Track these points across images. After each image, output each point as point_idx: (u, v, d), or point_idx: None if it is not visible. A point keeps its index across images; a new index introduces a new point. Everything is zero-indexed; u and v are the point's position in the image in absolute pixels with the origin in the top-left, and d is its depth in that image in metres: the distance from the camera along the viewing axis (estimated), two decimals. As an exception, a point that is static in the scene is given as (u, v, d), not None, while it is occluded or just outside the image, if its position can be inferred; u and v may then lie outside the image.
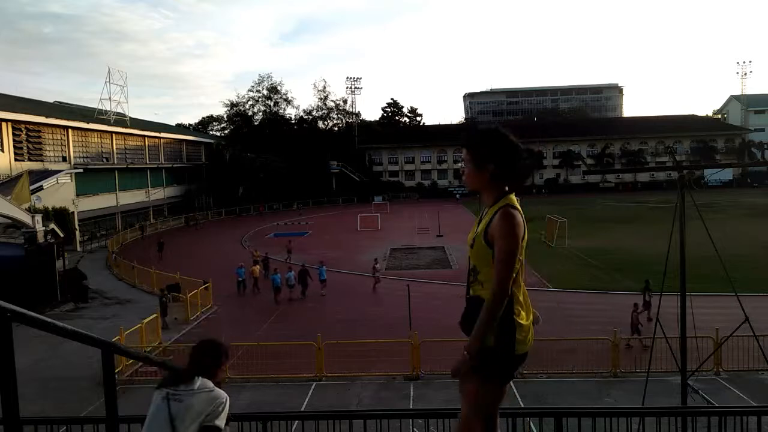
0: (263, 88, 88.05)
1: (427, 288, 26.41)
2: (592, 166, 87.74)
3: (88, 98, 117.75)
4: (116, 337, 17.13)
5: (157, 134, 65.99)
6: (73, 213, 41.79)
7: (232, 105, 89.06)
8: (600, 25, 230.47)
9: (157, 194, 63.29)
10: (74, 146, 49.30)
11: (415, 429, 8.57)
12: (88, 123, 51.11)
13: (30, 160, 42.98)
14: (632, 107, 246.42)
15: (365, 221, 52.29)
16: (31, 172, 37.22)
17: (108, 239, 45.61)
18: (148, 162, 62.29)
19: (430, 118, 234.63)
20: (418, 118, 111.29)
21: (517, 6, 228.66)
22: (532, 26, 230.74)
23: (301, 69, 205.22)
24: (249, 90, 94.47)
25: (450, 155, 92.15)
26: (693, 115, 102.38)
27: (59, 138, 47.74)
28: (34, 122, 43.71)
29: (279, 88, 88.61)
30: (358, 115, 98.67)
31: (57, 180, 41.58)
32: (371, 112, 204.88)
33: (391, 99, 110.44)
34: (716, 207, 52.29)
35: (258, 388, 15.41)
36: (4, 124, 40.39)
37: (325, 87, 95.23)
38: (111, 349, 2.95)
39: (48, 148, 46.31)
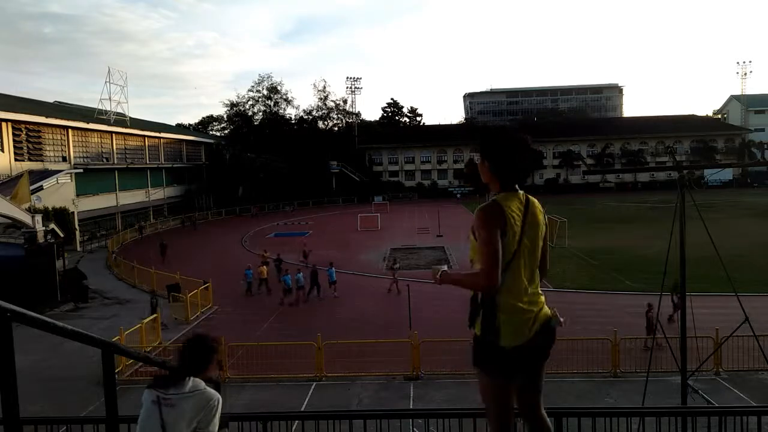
0: (263, 88, 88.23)
1: (427, 288, 26.38)
2: (592, 166, 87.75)
3: (88, 98, 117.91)
4: (116, 337, 17.13)
5: (157, 134, 66.01)
6: (73, 213, 41.78)
7: (232, 105, 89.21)
8: (600, 25, 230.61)
9: (157, 194, 63.29)
10: (74, 146, 49.30)
11: (415, 429, 8.57)
12: (88, 123, 51.11)
13: (30, 160, 42.99)
14: (632, 107, 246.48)
15: (365, 221, 52.29)
16: (31, 172, 37.24)
17: (108, 239, 45.62)
18: (148, 162, 62.29)
19: (430, 118, 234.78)
20: (418, 118, 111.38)
21: (517, 6, 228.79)
22: (532, 26, 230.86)
23: (301, 69, 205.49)
24: (249, 90, 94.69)
25: (450, 155, 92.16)
26: (693, 115, 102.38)
27: (59, 138, 47.74)
28: (34, 122, 43.71)
29: (279, 88, 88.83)
30: (358, 115, 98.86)
31: (57, 180, 41.59)
32: (371, 112, 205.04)
33: (391, 99, 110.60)
34: (716, 207, 52.29)
35: (258, 388, 15.41)
36: (4, 124, 40.40)
37: (325, 87, 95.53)
38: (111, 349, 2.95)
39: (48, 148, 46.32)
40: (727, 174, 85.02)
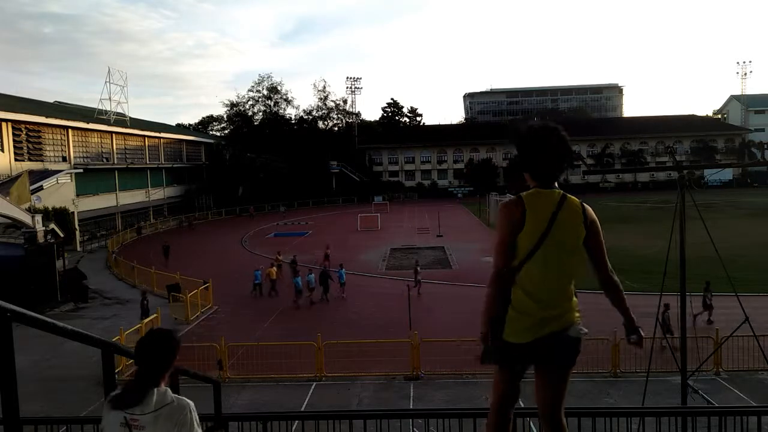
0: (263, 88, 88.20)
1: (428, 288, 26.38)
2: (592, 166, 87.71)
3: (88, 98, 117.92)
4: (116, 337, 17.13)
5: (157, 134, 66.00)
6: (73, 213, 41.79)
7: (232, 105, 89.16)
8: (600, 25, 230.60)
9: (157, 194, 63.29)
10: (74, 146, 49.30)
11: (415, 429, 8.57)
12: (88, 123, 51.11)
13: (30, 160, 42.99)
14: (632, 107, 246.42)
15: (365, 221, 52.30)
16: (31, 172, 37.22)
17: (108, 239, 45.62)
18: (148, 162, 62.29)
19: (430, 118, 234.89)
20: (418, 118, 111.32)
21: (517, 6, 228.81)
22: (532, 26, 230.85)
23: (301, 69, 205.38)
24: (249, 90, 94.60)
25: (450, 155, 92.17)
26: (693, 115, 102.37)
27: (59, 138, 47.74)
28: (34, 122, 43.71)
29: (279, 88, 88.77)
30: (358, 115, 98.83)
31: (57, 180, 41.61)
32: (371, 112, 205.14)
33: (391, 99, 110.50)
34: (716, 207, 52.31)
35: (258, 388, 15.42)
36: (4, 124, 40.40)
37: (325, 87, 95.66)
38: (111, 349, 2.95)
39: (48, 148, 46.31)
40: (727, 174, 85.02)
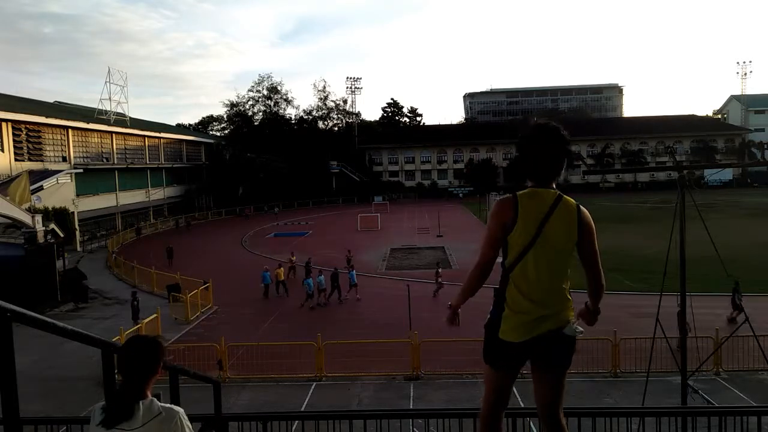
0: (263, 88, 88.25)
1: (428, 288, 26.38)
2: (592, 166, 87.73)
3: (88, 98, 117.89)
4: (116, 337, 17.13)
5: (157, 134, 66.01)
6: (73, 213, 41.79)
7: (232, 105, 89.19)
8: (600, 25, 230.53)
9: (157, 194, 63.29)
10: (74, 146, 49.30)
11: (415, 429, 8.56)
12: (88, 123, 51.12)
13: (30, 160, 42.99)
14: (632, 107, 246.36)
15: (365, 221, 52.31)
16: (31, 172, 37.22)
17: (108, 239, 45.61)
18: (148, 162, 62.29)
19: (430, 118, 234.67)
20: (418, 118, 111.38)
21: (517, 6, 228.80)
22: (532, 26, 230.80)
23: (301, 69, 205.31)
24: (249, 90, 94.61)
25: (450, 155, 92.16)
26: (693, 115, 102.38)
27: (59, 138, 47.74)
28: (34, 122, 43.71)
29: (279, 88, 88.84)
30: (358, 115, 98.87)
31: (57, 180, 41.61)
32: (371, 112, 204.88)
33: (391, 99, 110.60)
34: (716, 207, 52.32)
35: (258, 388, 15.42)
36: (4, 124, 40.40)
37: (325, 87, 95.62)
38: (111, 349, 2.95)
39: (48, 148, 46.31)
40: (727, 174, 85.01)
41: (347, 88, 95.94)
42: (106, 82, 56.59)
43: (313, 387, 15.47)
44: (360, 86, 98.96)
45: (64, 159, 47.78)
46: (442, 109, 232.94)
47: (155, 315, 20.08)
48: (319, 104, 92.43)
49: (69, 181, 44.42)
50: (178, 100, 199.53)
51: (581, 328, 2.76)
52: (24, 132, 43.06)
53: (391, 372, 15.87)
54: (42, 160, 44.73)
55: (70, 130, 48.49)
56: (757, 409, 5.42)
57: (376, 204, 69.71)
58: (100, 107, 56.74)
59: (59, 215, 35.51)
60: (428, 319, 20.38)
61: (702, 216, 10.06)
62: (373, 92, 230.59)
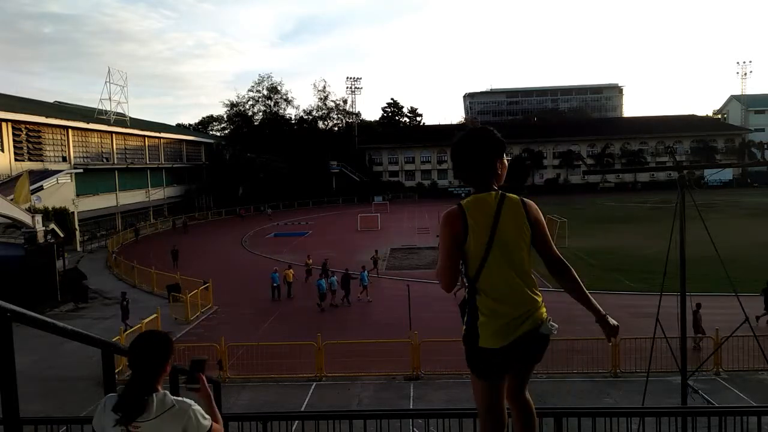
0: (263, 88, 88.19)
1: (428, 288, 26.37)
2: (592, 166, 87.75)
3: (88, 98, 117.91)
4: (116, 337, 17.13)
5: (157, 134, 66.01)
6: (73, 213, 41.78)
7: (232, 105, 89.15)
8: (600, 25, 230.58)
9: (157, 194, 63.29)
10: (74, 146, 49.30)
11: (415, 429, 8.56)
12: (88, 123, 51.12)
13: (30, 160, 43.00)
14: (632, 107, 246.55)
15: (365, 221, 52.30)
16: (31, 172, 37.24)
17: (108, 239, 45.59)
18: (148, 162, 62.29)
19: (430, 118, 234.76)
20: (418, 118, 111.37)
21: (517, 6, 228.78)
22: (532, 26, 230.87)
23: (301, 69, 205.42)
24: (249, 90, 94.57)
25: (450, 155, 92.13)
26: (693, 115, 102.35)
27: (59, 138, 47.74)
28: (34, 122, 43.71)
29: (279, 88, 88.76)
30: (358, 115, 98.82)
31: (57, 180, 41.60)
32: (371, 112, 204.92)
33: (391, 99, 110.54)
34: (716, 207, 52.31)
35: (258, 388, 15.42)
36: (4, 124, 40.40)
37: (325, 87, 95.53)
38: (111, 349, 2.95)
39: (48, 148, 46.32)
40: (727, 174, 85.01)
41: (347, 88, 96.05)
42: (106, 82, 56.67)
43: (313, 387, 15.47)
44: (360, 86, 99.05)
45: (64, 159, 47.78)
46: (442, 109, 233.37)
47: (155, 315, 20.08)
48: (319, 104, 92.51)
49: (69, 181, 44.41)
50: (178, 100, 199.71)
51: (556, 325, 2.75)
52: (24, 132, 43.06)
53: (391, 372, 15.87)
54: (42, 160, 44.73)
55: (70, 130, 48.49)
56: (757, 409, 5.42)
57: (376, 204, 69.71)
58: (100, 107, 56.78)
59: (59, 215, 35.51)
60: (428, 319, 20.37)
61: (702, 216, 10.05)
62: (373, 92, 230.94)
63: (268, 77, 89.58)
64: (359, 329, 20.12)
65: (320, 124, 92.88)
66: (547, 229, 2.80)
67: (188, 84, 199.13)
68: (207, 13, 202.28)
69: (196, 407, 2.49)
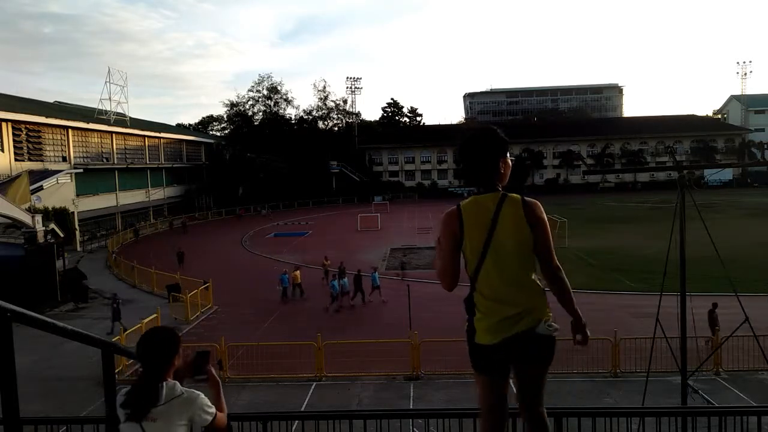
0: (263, 88, 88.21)
1: (428, 288, 26.36)
2: (592, 166, 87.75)
3: (88, 98, 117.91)
4: (116, 337, 17.15)
5: (157, 134, 66.02)
6: (73, 213, 41.79)
7: (232, 105, 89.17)
8: (600, 25, 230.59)
9: (157, 194, 63.29)
10: (74, 146, 49.31)
11: (415, 429, 8.56)
12: (88, 123, 51.12)
13: (30, 160, 42.99)
14: (632, 107, 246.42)
15: (365, 221, 52.29)
16: (31, 172, 37.25)
17: (108, 239, 45.59)
18: (148, 162, 62.30)
19: (430, 118, 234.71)
20: (418, 118, 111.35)
21: (517, 6, 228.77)
22: (532, 26, 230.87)
23: (301, 69, 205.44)
24: (249, 90, 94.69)
25: (450, 155, 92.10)
26: (693, 115, 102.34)
27: (59, 138, 47.74)
28: (34, 122, 43.72)
29: (279, 88, 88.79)
30: (358, 115, 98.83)
31: (57, 180, 41.61)
32: (371, 112, 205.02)
33: (391, 99, 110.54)
34: (716, 207, 52.30)
35: (258, 388, 15.42)
36: (4, 124, 40.40)
37: (325, 87, 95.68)
38: (111, 349, 2.96)
39: (48, 148, 46.31)
40: (727, 174, 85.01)
41: (347, 88, 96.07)
42: (106, 82, 56.67)
43: (313, 387, 15.47)
44: (360, 86, 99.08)
45: (64, 159, 47.78)
46: (442, 109, 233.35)
47: (155, 315, 20.08)
48: (319, 104, 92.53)
49: (69, 181, 44.43)
50: (178, 100, 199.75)
51: (557, 326, 2.72)
52: (24, 132, 43.05)
53: (391, 372, 15.87)
54: (42, 160, 44.73)
55: (70, 130, 48.49)
56: (757, 409, 5.41)
57: (376, 204, 69.71)
58: (100, 107, 56.78)
59: (59, 215, 35.51)
60: (428, 319, 20.38)
61: (702, 216, 10.04)
62: (373, 92, 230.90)
63: (268, 77, 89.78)
64: (359, 329, 20.12)
65: (320, 124, 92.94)
66: (548, 232, 2.77)
67: (188, 84, 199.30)
68: (207, 13, 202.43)
69: (203, 398, 2.65)
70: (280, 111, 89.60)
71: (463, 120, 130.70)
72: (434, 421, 5.91)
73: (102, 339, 2.94)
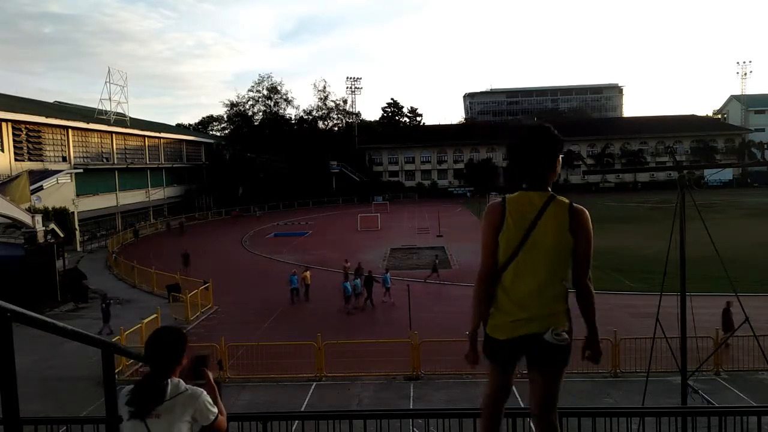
0: (263, 88, 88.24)
1: (428, 288, 26.40)
2: (592, 166, 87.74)
3: (88, 98, 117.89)
4: (116, 337, 17.14)
5: (157, 134, 66.03)
6: (73, 213, 41.79)
7: (232, 105, 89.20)
8: (600, 25, 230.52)
9: (157, 194, 63.29)
10: (74, 146, 49.31)
11: (415, 429, 8.56)
12: (88, 123, 51.12)
13: (30, 160, 42.99)
14: (632, 107, 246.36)
15: (365, 221, 52.30)
16: (31, 172, 37.24)
17: (108, 239, 45.59)
18: (148, 162, 62.30)
19: (430, 118, 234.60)
20: (418, 118, 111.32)
21: (517, 6, 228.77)
22: (532, 26, 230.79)
23: (301, 69, 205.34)
24: (249, 90, 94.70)
25: (450, 155, 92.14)
26: (693, 115, 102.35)
27: (59, 138, 47.75)
28: (34, 122, 43.72)
29: (279, 88, 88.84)
30: (358, 115, 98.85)
31: (57, 180, 41.61)
32: (371, 112, 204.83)
33: (391, 99, 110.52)
34: (716, 207, 52.30)
35: (258, 388, 15.42)
36: (4, 124, 40.40)
37: (325, 87, 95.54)
38: (111, 349, 2.95)
39: (48, 148, 46.31)
40: (727, 174, 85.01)
41: (347, 88, 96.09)
42: (106, 82, 56.68)
43: (313, 387, 15.47)
44: (360, 86, 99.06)
45: (64, 159, 47.79)
46: (442, 109, 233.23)
47: (155, 315, 20.07)
48: (319, 104, 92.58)
49: (69, 181, 44.43)
50: (178, 100, 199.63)
51: (566, 336, 2.67)
52: (24, 132, 43.06)
53: (391, 372, 15.87)
54: (42, 160, 44.73)
55: (70, 130, 48.50)
56: (757, 409, 5.42)
57: (376, 204, 69.71)
58: (100, 107, 56.78)
59: (59, 215, 35.51)
60: (428, 319, 20.38)
61: (702, 216, 10.05)
62: (373, 92, 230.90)
63: (268, 77, 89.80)
64: (359, 329, 20.12)
65: (320, 124, 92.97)
66: (591, 244, 2.74)
67: (188, 84, 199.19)
68: (207, 13, 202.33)
69: (207, 396, 2.72)
70: (280, 111, 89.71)
71: (463, 120, 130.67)
72: (434, 421, 5.92)
73: (102, 339, 2.95)
